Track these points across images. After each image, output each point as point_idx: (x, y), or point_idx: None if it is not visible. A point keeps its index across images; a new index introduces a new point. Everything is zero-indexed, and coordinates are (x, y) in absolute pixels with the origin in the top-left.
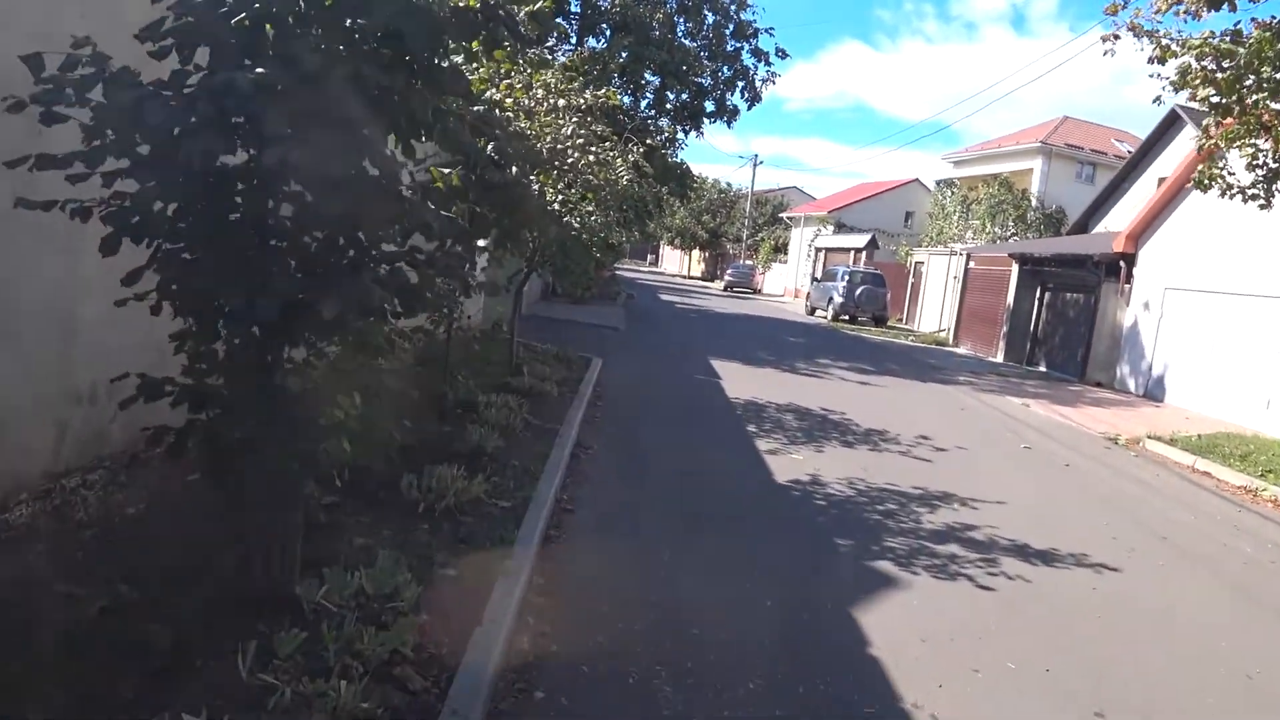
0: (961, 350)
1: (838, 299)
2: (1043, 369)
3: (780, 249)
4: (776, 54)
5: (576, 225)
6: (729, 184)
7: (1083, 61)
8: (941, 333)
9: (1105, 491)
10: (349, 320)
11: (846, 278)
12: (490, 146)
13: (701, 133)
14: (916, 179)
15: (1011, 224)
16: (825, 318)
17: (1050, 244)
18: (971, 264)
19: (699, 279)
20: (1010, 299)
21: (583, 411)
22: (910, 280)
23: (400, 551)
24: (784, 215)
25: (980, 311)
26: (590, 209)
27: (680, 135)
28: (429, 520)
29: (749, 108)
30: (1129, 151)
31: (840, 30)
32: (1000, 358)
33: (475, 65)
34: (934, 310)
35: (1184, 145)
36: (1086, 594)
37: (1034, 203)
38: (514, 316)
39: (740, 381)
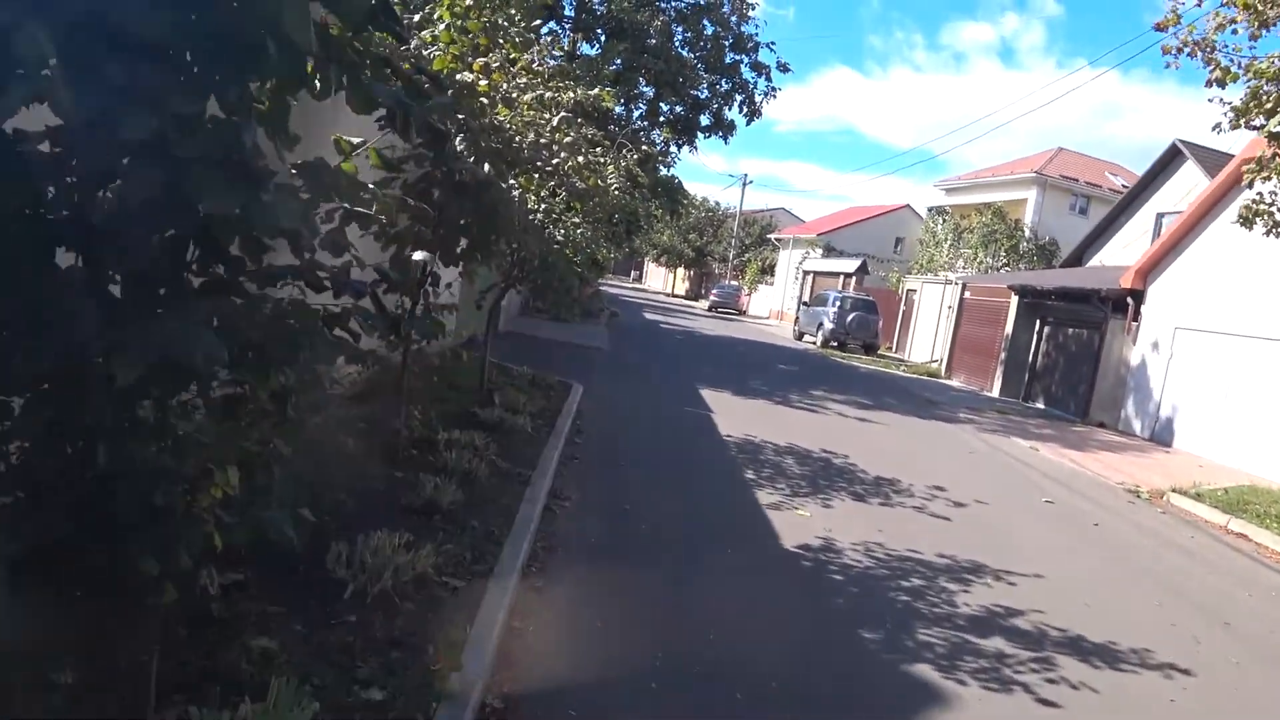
0: (955, 383)
1: (828, 325)
2: (1040, 405)
3: (767, 270)
4: (778, 68)
5: (560, 238)
6: (717, 203)
7: (1069, 96)
8: (934, 364)
9: (1144, 560)
10: (167, 380)
11: (837, 303)
12: (459, 138)
13: (695, 147)
14: (908, 205)
15: (1004, 254)
16: (814, 344)
17: (1052, 276)
18: (967, 294)
19: (683, 297)
20: (1008, 331)
21: (559, 451)
22: (901, 308)
23: (310, 663)
24: (772, 236)
25: (975, 343)
26: (576, 220)
27: (673, 149)
28: (358, 608)
29: (748, 122)
30: (1124, 186)
31: (831, 55)
32: (996, 392)
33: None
34: (926, 340)
35: (1186, 180)
36: (1165, 710)
37: (1027, 233)
38: (488, 337)
39: (732, 415)
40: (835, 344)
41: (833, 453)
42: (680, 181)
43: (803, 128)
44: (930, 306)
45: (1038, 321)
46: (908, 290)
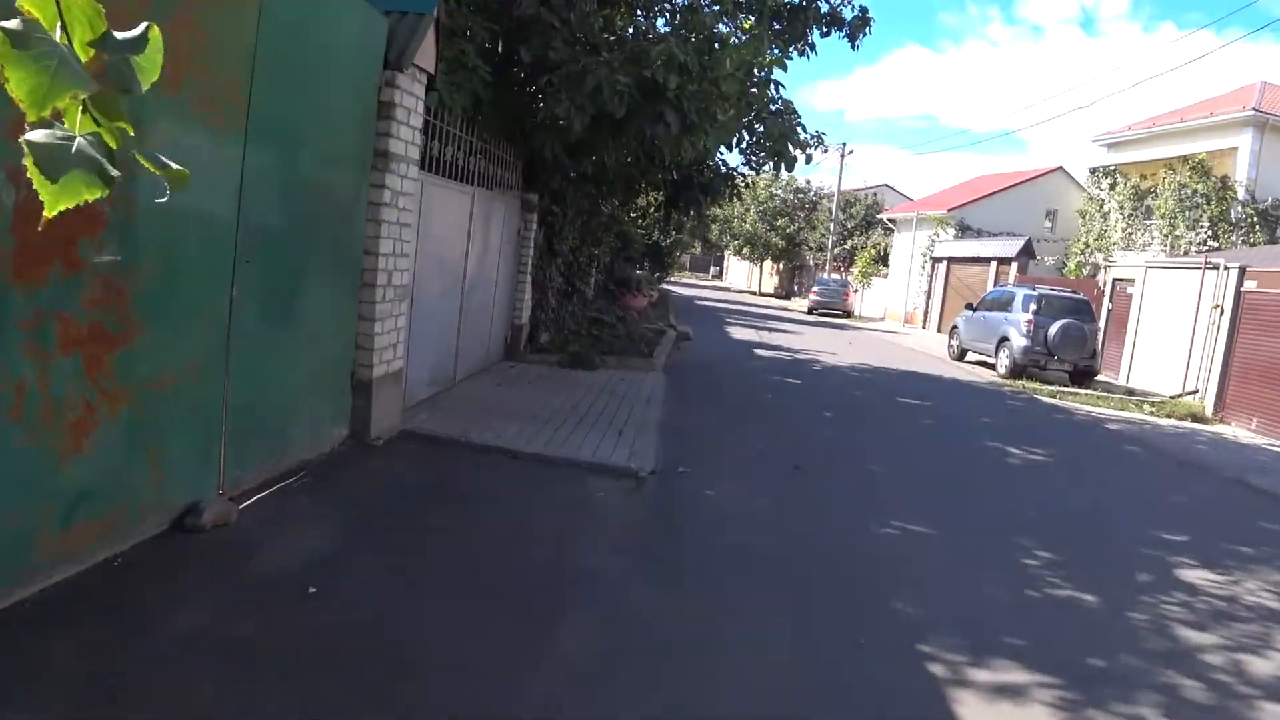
0: (1247, 436)
1: (1019, 340)
2: None
3: (879, 259)
4: None
5: None
6: (808, 182)
7: (1151, 59)
8: (1189, 397)
9: None
10: None
11: (1032, 306)
12: None
13: (812, 48)
14: (1060, 168)
15: (1207, 224)
16: (991, 366)
17: None
18: (1249, 284)
19: (771, 295)
20: None
21: None
22: (1106, 306)
23: None
24: (883, 216)
25: (1275, 366)
26: None
27: (774, 52)
28: None
29: None
30: None
31: (902, 34)
32: None
33: None
34: (1160, 357)
35: None
36: None
37: (1240, 194)
38: None
39: None
40: (1027, 367)
41: None
42: (794, 111)
43: (876, 114)
44: (1167, 305)
45: None
46: (1114, 280)
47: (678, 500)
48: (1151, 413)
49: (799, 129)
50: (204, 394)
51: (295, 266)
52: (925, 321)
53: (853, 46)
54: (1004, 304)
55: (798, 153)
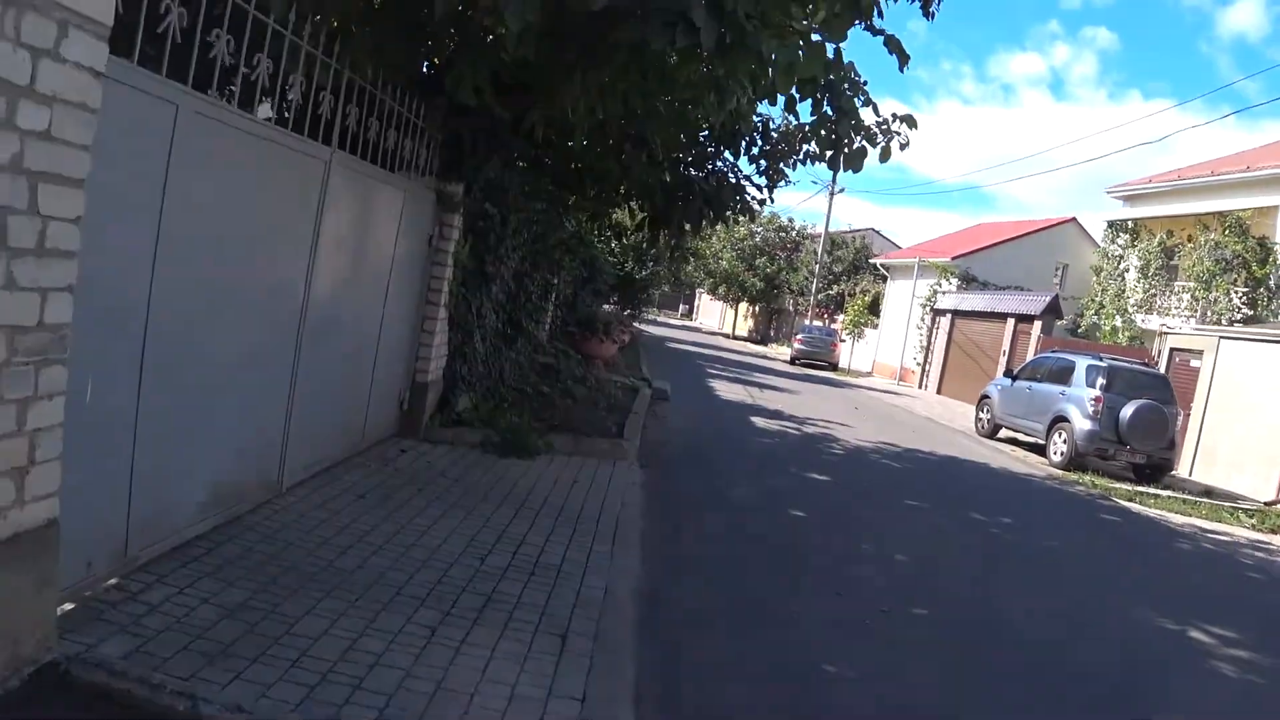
0: None
1: (1082, 423)
2: None
3: (869, 308)
4: None
5: None
6: (790, 219)
7: (1117, 129)
8: None
9: None
10: None
11: (1100, 380)
12: None
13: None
14: (1074, 219)
15: (1242, 288)
16: (1033, 447)
17: None
18: None
19: (746, 339)
20: None
21: None
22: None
23: None
24: (877, 261)
25: None
26: None
27: None
28: None
29: None
30: None
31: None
32: None
33: None
34: (1242, 448)
35: None
36: None
37: None
38: None
39: None
40: (1089, 456)
41: None
42: (857, 77)
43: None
44: (1251, 385)
45: None
46: (1171, 350)
47: None
48: (1253, 525)
49: (868, 106)
50: None
51: None
52: (924, 380)
53: (925, 14)
54: (1059, 375)
55: (864, 144)
